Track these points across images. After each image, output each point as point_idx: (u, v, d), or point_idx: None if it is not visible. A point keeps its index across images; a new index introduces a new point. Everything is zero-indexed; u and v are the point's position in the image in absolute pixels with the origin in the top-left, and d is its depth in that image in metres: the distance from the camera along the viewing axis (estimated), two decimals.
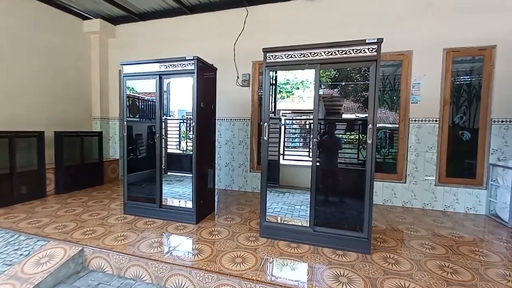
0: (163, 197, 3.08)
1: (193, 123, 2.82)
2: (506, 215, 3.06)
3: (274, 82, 2.94)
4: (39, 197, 3.73)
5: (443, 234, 2.79)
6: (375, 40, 2.16)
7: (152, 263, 2.12)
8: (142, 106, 3.33)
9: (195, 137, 2.83)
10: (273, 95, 2.88)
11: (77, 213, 3.17)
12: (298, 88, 3.34)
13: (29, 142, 3.65)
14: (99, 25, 4.80)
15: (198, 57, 2.78)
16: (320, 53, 2.33)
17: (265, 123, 2.50)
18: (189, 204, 2.95)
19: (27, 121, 3.93)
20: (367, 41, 2.18)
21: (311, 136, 2.47)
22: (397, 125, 3.86)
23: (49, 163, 4.02)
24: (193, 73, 2.77)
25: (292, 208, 3.08)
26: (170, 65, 2.86)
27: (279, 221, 2.64)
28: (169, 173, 3.33)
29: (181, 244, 2.43)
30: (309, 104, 2.48)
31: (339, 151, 2.69)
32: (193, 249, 2.32)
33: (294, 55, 2.40)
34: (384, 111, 4.33)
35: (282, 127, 3.43)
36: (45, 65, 4.24)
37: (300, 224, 2.54)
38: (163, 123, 3.05)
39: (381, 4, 3.73)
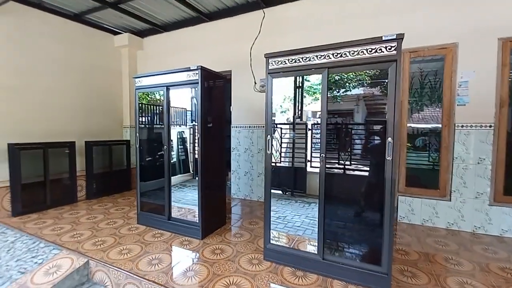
0: (179, 206, 3.03)
1: (198, 134, 2.72)
2: None
3: (300, 85, 2.70)
4: (70, 203, 4.04)
5: (494, 270, 2.21)
6: (394, 37, 1.78)
7: (146, 283, 2.05)
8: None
9: (201, 148, 2.72)
10: (300, 98, 2.65)
11: (97, 221, 3.32)
12: (331, 89, 3.03)
13: (61, 152, 3.97)
14: (127, 39, 5.07)
15: (202, 66, 2.67)
16: (328, 56, 2.02)
17: (268, 136, 2.27)
18: (197, 217, 2.86)
19: (62, 133, 4.29)
20: (384, 38, 1.82)
21: (320, 145, 2.16)
22: (438, 128, 3.26)
23: (82, 170, 4.34)
24: (197, 83, 2.67)
25: (314, 223, 2.76)
26: (176, 76, 2.80)
27: (290, 241, 2.37)
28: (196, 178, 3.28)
29: (179, 262, 2.33)
30: (346, 105, 2.24)
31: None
32: (189, 270, 2.19)
33: (299, 60, 2.13)
34: (422, 114, 3.73)
35: (309, 132, 3.17)
36: (79, 80, 4.61)
37: (308, 250, 2.24)
38: (189, 130, 2.99)
39: None
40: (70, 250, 2.53)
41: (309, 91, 2.78)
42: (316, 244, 2.17)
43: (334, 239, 2.19)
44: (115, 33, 5.17)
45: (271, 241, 2.36)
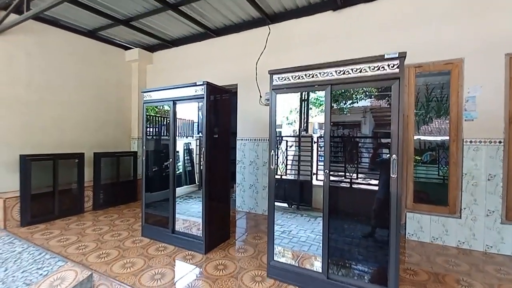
0: (184, 218, 3.04)
1: (203, 148, 2.75)
2: None
3: (306, 98, 2.73)
4: (77, 213, 4.09)
5: None
6: (396, 55, 1.80)
7: None
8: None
9: (206, 160, 2.75)
10: (306, 111, 2.67)
11: (102, 233, 3.34)
12: (337, 101, 3.04)
13: (71, 163, 4.06)
14: (138, 54, 5.25)
15: (208, 82, 2.73)
16: (331, 73, 2.04)
17: (272, 151, 2.28)
18: (201, 231, 2.85)
19: (73, 144, 4.41)
20: (386, 57, 1.83)
21: (323, 162, 2.16)
22: (445, 142, 3.21)
23: (89, 181, 4.41)
24: (203, 97, 2.73)
25: (319, 238, 2.72)
26: (182, 91, 2.87)
27: (294, 257, 2.32)
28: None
29: (182, 278, 2.31)
30: (352, 117, 2.23)
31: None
32: (191, 286, 2.17)
33: (302, 76, 2.17)
34: (429, 127, 3.69)
35: (315, 145, 3.17)
36: (92, 94, 4.77)
37: (313, 269, 2.20)
38: (196, 142, 3.02)
39: (420, 5, 3.23)
40: (74, 262, 2.55)
41: (315, 102, 2.79)
42: (321, 261, 2.12)
43: (340, 256, 2.14)
44: (126, 48, 5.36)
45: (275, 258, 2.33)
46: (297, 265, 2.27)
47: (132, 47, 5.34)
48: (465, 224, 3.06)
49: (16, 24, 3.42)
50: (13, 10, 3.40)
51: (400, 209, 1.84)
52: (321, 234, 2.16)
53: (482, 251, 2.96)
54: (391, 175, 1.85)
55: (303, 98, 2.51)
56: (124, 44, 5.23)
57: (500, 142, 2.91)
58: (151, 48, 5.43)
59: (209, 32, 4.51)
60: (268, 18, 3.99)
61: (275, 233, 2.34)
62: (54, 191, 3.78)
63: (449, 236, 3.13)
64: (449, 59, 3.11)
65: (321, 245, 2.17)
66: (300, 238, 2.53)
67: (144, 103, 3.24)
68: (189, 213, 3.10)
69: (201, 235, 2.81)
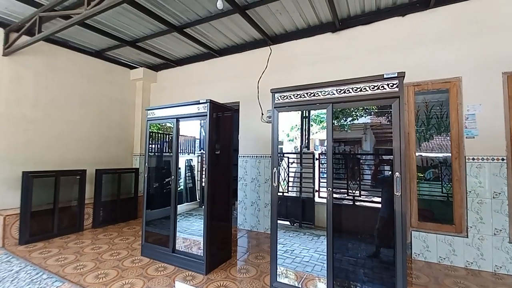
0: (184, 236, 2.99)
1: (205, 165, 2.76)
2: None
3: (307, 115, 2.77)
4: (77, 231, 4.03)
5: None
6: (395, 75, 1.85)
7: None
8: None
9: (207, 178, 2.74)
10: (307, 128, 2.69)
11: (101, 252, 3.27)
12: (338, 117, 3.07)
13: (72, 180, 4.06)
14: (142, 73, 5.40)
15: (211, 100, 2.79)
16: (332, 92, 2.09)
17: (274, 169, 2.28)
18: (202, 251, 2.79)
19: (75, 161, 4.43)
20: (385, 76, 1.88)
21: (326, 179, 2.15)
22: (447, 158, 3.20)
23: (90, 198, 4.38)
24: (206, 115, 2.77)
25: (323, 258, 2.64)
26: (186, 108, 2.93)
27: (298, 279, 2.25)
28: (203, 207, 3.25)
29: None
30: (353, 133, 2.27)
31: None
32: None
33: (304, 95, 2.21)
34: (431, 143, 3.70)
35: (316, 162, 3.17)
36: (96, 112, 4.85)
37: None
38: (197, 158, 3.02)
39: (416, 27, 3.35)
40: (72, 282, 2.48)
41: (316, 119, 2.83)
42: (326, 283, 2.06)
43: (345, 277, 2.08)
44: (131, 67, 5.52)
45: (278, 279, 2.26)
46: (301, 286, 2.20)
47: (137, 66, 5.49)
48: (472, 243, 2.98)
49: (27, 45, 3.55)
50: (25, 32, 3.55)
51: (406, 228, 1.81)
52: (325, 254, 2.11)
53: (491, 271, 2.86)
54: (395, 192, 1.84)
55: (304, 115, 2.55)
56: (129, 63, 5.39)
57: (503, 159, 2.90)
58: (156, 67, 5.58)
59: (212, 52, 4.65)
60: (269, 39, 4.13)
61: (278, 253, 2.29)
62: (54, 209, 3.75)
63: (457, 256, 3.04)
64: (447, 78, 3.18)
65: (325, 265, 2.11)
66: (304, 258, 2.47)
67: (148, 120, 3.28)
68: (190, 231, 3.05)
69: (202, 255, 2.75)
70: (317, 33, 3.92)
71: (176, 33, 4.00)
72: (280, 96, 2.32)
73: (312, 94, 2.17)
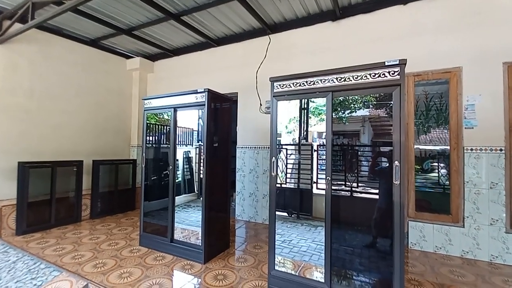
0: (182, 227, 2.99)
1: (203, 156, 2.73)
2: None
3: (305, 106, 2.74)
4: (74, 222, 4.02)
5: None
6: (397, 62, 1.81)
7: None
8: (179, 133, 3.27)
9: (205, 169, 2.72)
10: (305, 119, 2.67)
11: (99, 242, 3.27)
12: (336, 110, 3.05)
13: (69, 171, 4.03)
14: (139, 62, 5.31)
15: (209, 89, 2.75)
16: (332, 80, 2.05)
17: (273, 158, 2.26)
18: (200, 241, 2.79)
19: (72, 152, 4.38)
20: (386, 64, 1.85)
21: (325, 168, 2.14)
22: (446, 150, 3.20)
23: (87, 189, 4.36)
24: (204, 105, 2.73)
25: (321, 248, 2.66)
26: (183, 98, 2.88)
27: (296, 267, 2.27)
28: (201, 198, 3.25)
29: None
30: (351, 126, 2.25)
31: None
32: None
33: (303, 84, 2.18)
34: (429, 136, 3.69)
35: (315, 154, 3.15)
36: (92, 102, 4.78)
37: (315, 278, 2.14)
38: (195, 150, 2.98)
39: (417, 15, 3.29)
40: (70, 272, 2.48)
41: (314, 112, 2.80)
42: (323, 271, 2.07)
43: (342, 266, 2.10)
44: (128, 57, 5.42)
45: (276, 267, 2.27)
46: (298, 275, 2.22)
47: (134, 56, 5.39)
48: (468, 233, 3.01)
49: (20, 32, 3.46)
50: (17, 20, 3.45)
51: (404, 218, 1.81)
52: (323, 244, 2.12)
53: (487, 261, 2.90)
54: (394, 181, 1.84)
55: (302, 107, 2.52)
56: (126, 53, 5.29)
57: (501, 150, 2.90)
58: (152, 57, 5.49)
59: (210, 42, 4.57)
60: (269, 28, 4.05)
61: (276, 243, 2.30)
62: (51, 199, 3.72)
63: (453, 246, 3.07)
64: (447, 68, 3.14)
65: (322, 255, 2.12)
66: (301, 248, 2.48)
67: (144, 110, 3.24)
68: (188, 222, 3.05)
69: (200, 244, 2.75)
70: (317, 21, 3.85)
71: (173, 21, 3.91)
72: (279, 85, 2.28)
73: (311, 83, 2.13)
